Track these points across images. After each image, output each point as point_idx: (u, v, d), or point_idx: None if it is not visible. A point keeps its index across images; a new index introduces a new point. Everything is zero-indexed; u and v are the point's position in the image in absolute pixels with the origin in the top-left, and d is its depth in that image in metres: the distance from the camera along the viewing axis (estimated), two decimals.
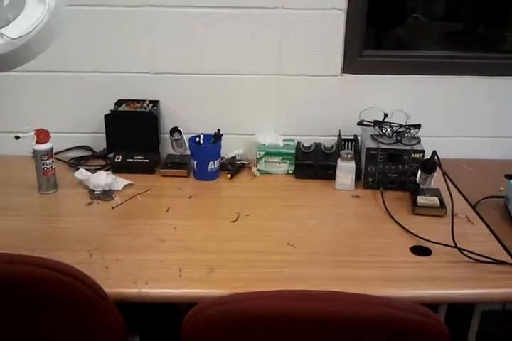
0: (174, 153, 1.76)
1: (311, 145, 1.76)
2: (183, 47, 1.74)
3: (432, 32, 2.04)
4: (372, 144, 1.62)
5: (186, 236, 1.38)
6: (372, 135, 1.66)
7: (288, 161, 1.74)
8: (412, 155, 1.58)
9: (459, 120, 1.85)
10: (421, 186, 1.53)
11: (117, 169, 1.72)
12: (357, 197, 1.60)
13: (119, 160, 1.73)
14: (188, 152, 1.72)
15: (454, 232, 1.32)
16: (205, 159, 1.68)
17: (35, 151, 1.55)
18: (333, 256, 1.29)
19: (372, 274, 1.22)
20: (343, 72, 1.78)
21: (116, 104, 1.77)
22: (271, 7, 1.69)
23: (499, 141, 1.87)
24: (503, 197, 1.54)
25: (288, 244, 1.34)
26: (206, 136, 1.73)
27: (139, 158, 1.74)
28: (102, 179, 1.60)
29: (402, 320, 0.90)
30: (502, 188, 1.59)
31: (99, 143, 1.82)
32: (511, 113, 1.84)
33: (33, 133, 1.54)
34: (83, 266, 1.20)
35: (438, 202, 1.48)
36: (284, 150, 1.74)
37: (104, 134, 1.76)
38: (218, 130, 1.73)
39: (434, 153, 1.46)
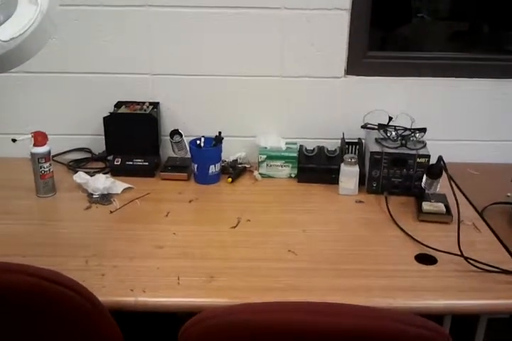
0: (175, 155, 1.73)
1: (313, 149, 1.73)
2: (183, 48, 1.71)
3: (438, 32, 2.01)
4: (377, 148, 1.59)
5: (185, 242, 1.35)
6: (376, 138, 1.63)
7: (290, 165, 1.70)
8: (418, 160, 1.55)
9: (465, 123, 1.81)
10: (426, 191, 1.50)
11: (117, 172, 1.70)
12: (360, 202, 1.57)
13: (119, 163, 1.71)
14: (189, 155, 1.69)
15: (461, 240, 1.28)
16: (206, 162, 1.65)
17: (32, 154, 1.53)
18: (334, 264, 1.26)
19: (375, 284, 1.19)
20: (347, 74, 1.75)
21: (115, 105, 1.74)
22: (273, 7, 1.65)
23: (507, 145, 1.83)
24: (510, 203, 1.51)
25: (289, 251, 1.31)
26: (207, 139, 1.70)
27: (138, 161, 1.71)
28: (101, 182, 1.57)
29: (405, 334, 0.87)
30: (509, 194, 1.56)
31: (99, 145, 1.79)
32: None
33: (30, 135, 1.51)
34: (79, 273, 1.19)
35: (444, 209, 1.45)
36: (287, 154, 1.71)
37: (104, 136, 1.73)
38: (219, 133, 1.70)
39: (440, 158, 1.42)
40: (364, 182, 1.61)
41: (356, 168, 1.59)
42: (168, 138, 1.68)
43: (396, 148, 1.58)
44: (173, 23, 1.68)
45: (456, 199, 1.35)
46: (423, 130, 1.61)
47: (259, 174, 1.71)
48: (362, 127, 1.68)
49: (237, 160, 1.77)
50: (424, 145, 1.59)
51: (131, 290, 1.15)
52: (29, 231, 1.39)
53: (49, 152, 1.54)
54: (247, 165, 1.76)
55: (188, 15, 1.67)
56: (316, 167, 1.67)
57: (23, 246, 1.31)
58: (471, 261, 1.24)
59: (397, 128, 1.62)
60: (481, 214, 1.49)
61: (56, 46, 1.69)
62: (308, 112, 1.79)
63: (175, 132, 1.66)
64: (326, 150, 1.72)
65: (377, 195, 1.59)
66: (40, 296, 0.96)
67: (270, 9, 1.66)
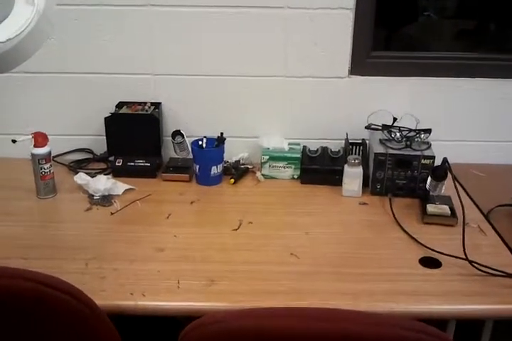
0: (177, 156, 1.72)
1: (317, 150, 1.71)
2: (185, 48, 1.70)
3: (444, 30, 1.98)
4: (381, 149, 1.57)
5: (186, 244, 1.34)
6: (380, 139, 1.61)
7: (293, 166, 1.68)
8: (422, 161, 1.53)
9: (471, 124, 1.79)
10: (431, 193, 1.48)
11: (118, 173, 1.68)
12: (364, 204, 1.55)
13: (120, 164, 1.69)
14: (191, 156, 1.68)
15: (466, 243, 1.26)
16: (208, 163, 1.64)
17: (32, 155, 1.51)
18: (337, 267, 1.25)
19: (378, 288, 1.17)
20: (351, 74, 1.73)
21: (117, 106, 1.73)
22: (276, 6, 1.63)
23: None
24: None
25: (291, 254, 1.29)
26: (209, 140, 1.69)
27: (140, 162, 1.70)
28: (102, 184, 1.56)
29: (404, 340, 0.85)
30: None
31: (101, 145, 1.78)
32: None
33: (30, 136, 1.50)
34: (79, 275, 1.19)
35: (449, 211, 1.43)
36: (290, 155, 1.69)
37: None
38: (221, 133, 1.68)
39: (445, 160, 1.40)
40: (368, 184, 1.59)
41: (360, 170, 1.57)
42: (170, 138, 1.67)
43: (400, 149, 1.56)
44: (175, 23, 1.66)
45: (461, 202, 1.33)
46: (428, 131, 1.59)
47: (262, 175, 1.70)
48: (366, 128, 1.65)
49: (239, 161, 1.75)
50: (429, 147, 1.57)
51: (131, 293, 1.14)
52: (29, 233, 1.38)
53: (49, 153, 1.53)
54: (249, 166, 1.75)
55: (190, 14, 1.65)
56: (319, 168, 1.65)
57: (22, 248, 1.30)
58: (476, 265, 1.22)
59: (401, 128, 1.60)
60: (486, 216, 1.47)
61: (56, 46, 1.68)
62: (311, 112, 1.77)
63: (177, 133, 1.65)
64: (329, 151, 1.70)
65: (381, 196, 1.57)
66: (37, 301, 0.95)
67: (273, 8, 1.64)
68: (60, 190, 1.59)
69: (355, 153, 1.72)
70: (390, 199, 1.53)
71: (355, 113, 1.73)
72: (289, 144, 1.73)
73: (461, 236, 1.27)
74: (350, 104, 1.75)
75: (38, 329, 0.99)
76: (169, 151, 1.75)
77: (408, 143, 1.56)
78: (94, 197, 1.54)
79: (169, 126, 1.76)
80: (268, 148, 1.71)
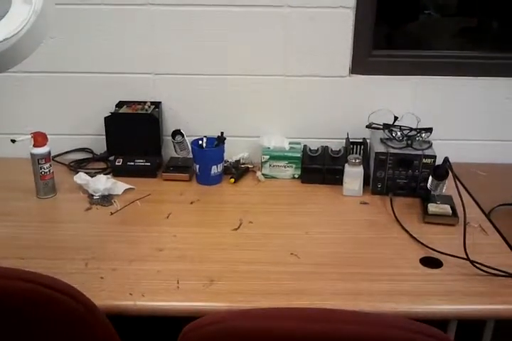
0: (177, 156, 1.71)
1: (318, 149, 1.71)
2: (185, 47, 1.69)
3: (445, 28, 1.97)
4: (382, 148, 1.56)
5: (186, 244, 1.33)
6: (381, 138, 1.60)
7: (294, 165, 1.68)
8: (423, 161, 1.52)
9: (472, 123, 1.78)
10: (432, 193, 1.47)
11: (118, 172, 1.68)
12: (365, 203, 1.54)
13: (120, 164, 1.69)
14: (191, 155, 1.67)
15: (467, 243, 1.25)
16: (208, 163, 1.63)
17: (32, 155, 1.51)
18: (337, 267, 1.24)
19: (379, 288, 1.16)
20: (352, 73, 1.72)
21: (117, 105, 1.72)
22: (276, 5, 1.63)
23: None
24: None
25: (292, 254, 1.29)
26: (209, 139, 1.68)
27: (140, 162, 1.69)
28: (102, 183, 1.55)
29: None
30: None
31: (100, 145, 1.77)
32: None
33: (30, 136, 1.50)
34: (78, 275, 1.19)
35: (450, 211, 1.42)
36: (290, 154, 1.69)
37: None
38: (222, 133, 1.67)
39: (446, 159, 1.39)
40: (369, 183, 1.59)
41: (361, 169, 1.56)
42: (170, 138, 1.66)
43: (401, 148, 1.55)
44: (175, 22, 1.66)
45: (462, 201, 1.32)
46: (429, 130, 1.58)
47: (262, 175, 1.69)
48: (367, 127, 1.65)
49: (239, 160, 1.75)
50: (430, 146, 1.56)
51: (131, 294, 1.13)
52: (27, 233, 1.37)
53: (49, 153, 1.52)
54: (249, 166, 1.74)
55: (190, 14, 1.65)
56: (320, 167, 1.64)
57: (22, 248, 1.30)
58: (477, 265, 1.21)
59: (402, 128, 1.59)
60: (487, 215, 1.46)
61: (56, 45, 1.68)
62: (312, 112, 1.76)
63: (177, 132, 1.65)
64: (330, 151, 1.69)
65: (382, 196, 1.57)
66: (36, 302, 0.94)
67: (274, 7, 1.63)
68: (59, 189, 1.59)
69: (356, 153, 1.71)
70: (390, 199, 1.52)
71: (355, 112, 1.72)
72: (290, 143, 1.72)
73: (463, 236, 1.26)
74: (351, 103, 1.74)
75: (37, 329, 0.99)
76: (169, 151, 1.75)
77: (409, 142, 1.56)
78: (94, 197, 1.54)
79: (169, 126, 1.76)
80: (268, 148, 1.70)
